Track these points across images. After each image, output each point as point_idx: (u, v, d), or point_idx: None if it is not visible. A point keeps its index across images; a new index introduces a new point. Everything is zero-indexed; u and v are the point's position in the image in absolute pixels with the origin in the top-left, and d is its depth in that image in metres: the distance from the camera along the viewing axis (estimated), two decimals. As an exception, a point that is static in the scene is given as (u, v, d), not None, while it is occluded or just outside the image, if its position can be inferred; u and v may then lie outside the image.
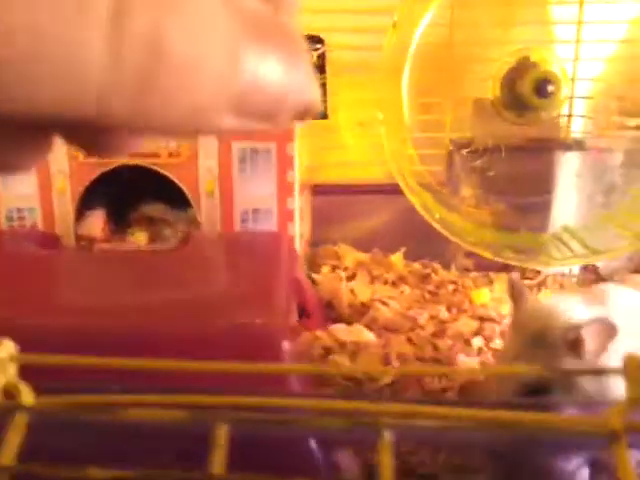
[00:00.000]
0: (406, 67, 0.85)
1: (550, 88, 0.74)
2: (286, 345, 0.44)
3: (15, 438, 0.30)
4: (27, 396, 0.31)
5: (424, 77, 0.86)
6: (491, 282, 0.82)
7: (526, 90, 0.77)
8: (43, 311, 0.44)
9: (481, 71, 0.86)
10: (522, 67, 0.81)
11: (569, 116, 0.84)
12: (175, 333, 0.44)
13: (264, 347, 0.44)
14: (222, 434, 0.29)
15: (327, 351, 0.58)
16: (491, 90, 0.84)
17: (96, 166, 0.70)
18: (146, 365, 0.31)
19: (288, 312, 0.51)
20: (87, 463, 0.30)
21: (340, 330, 0.60)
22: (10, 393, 0.32)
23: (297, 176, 0.70)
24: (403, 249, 0.90)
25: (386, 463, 0.28)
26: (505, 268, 0.85)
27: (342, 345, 0.58)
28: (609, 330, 0.40)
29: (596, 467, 0.43)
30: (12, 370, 0.32)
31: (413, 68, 0.85)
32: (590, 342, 0.40)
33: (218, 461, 0.29)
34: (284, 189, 0.70)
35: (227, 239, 0.67)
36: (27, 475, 0.29)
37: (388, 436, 0.28)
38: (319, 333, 0.61)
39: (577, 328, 0.41)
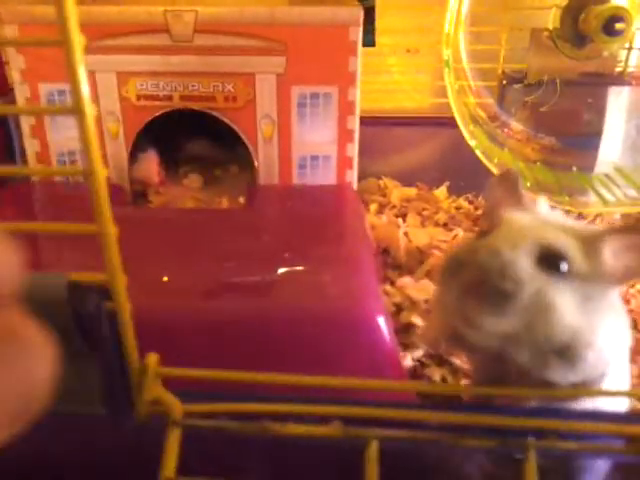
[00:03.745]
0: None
1: (620, 26, 0.70)
2: (382, 320, 0.45)
3: (172, 451, 0.32)
4: (177, 409, 0.33)
5: (478, 3, 0.81)
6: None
7: (592, 26, 0.73)
8: (146, 289, 0.45)
9: (541, -1, 0.82)
10: (586, -4, 0.77)
11: (629, 49, 0.81)
12: (281, 315, 0.45)
13: (361, 326, 0.45)
14: (374, 450, 0.31)
15: (398, 307, 0.59)
16: (551, 20, 0.80)
17: (149, 109, 0.67)
18: (292, 381, 0.33)
19: (377, 282, 0.51)
20: (234, 472, 0.32)
21: (409, 286, 0.61)
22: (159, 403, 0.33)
23: (357, 122, 0.68)
24: (447, 183, 0.90)
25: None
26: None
27: (413, 302, 0.59)
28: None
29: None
30: (159, 383, 0.33)
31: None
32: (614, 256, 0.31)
33: (372, 475, 0.31)
34: (344, 135, 0.68)
35: (292, 193, 0.66)
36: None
37: (533, 455, 0.30)
38: (388, 288, 0.62)
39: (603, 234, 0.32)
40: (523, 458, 0.29)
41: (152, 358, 0.31)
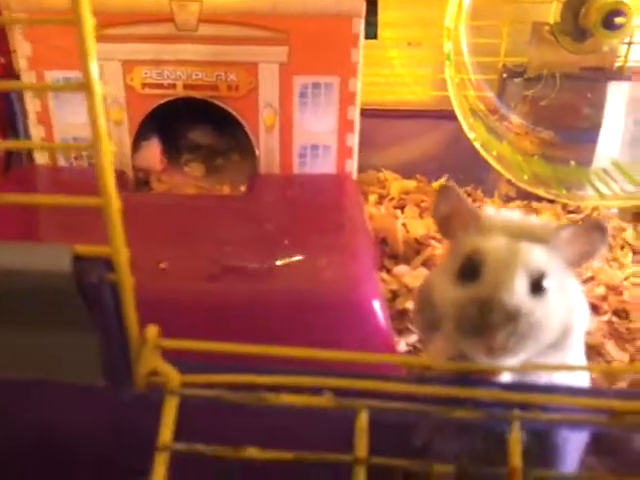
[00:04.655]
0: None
1: (619, 20, 0.71)
2: (377, 304, 0.47)
3: (169, 419, 0.33)
4: (175, 379, 0.34)
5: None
6: (536, 212, 0.83)
7: (592, 20, 0.74)
8: (148, 274, 0.46)
9: (542, -7, 0.82)
10: (588, -9, 0.78)
11: (629, 44, 0.82)
12: (280, 298, 0.46)
13: (357, 309, 0.46)
14: (364, 420, 0.32)
15: (394, 294, 0.61)
16: (552, 14, 0.81)
17: (153, 98, 0.68)
18: (286, 353, 0.34)
19: (374, 269, 0.53)
20: (230, 441, 0.33)
21: (405, 274, 0.63)
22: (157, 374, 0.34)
23: (358, 112, 0.69)
24: (446, 176, 0.91)
25: (515, 450, 0.31)
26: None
27: (409, 290, 0.60)
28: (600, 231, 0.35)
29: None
30: (158, 355, 0.34)
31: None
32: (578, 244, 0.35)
33: (361, 445, 0.32)
34: (344, 125, 0.69)
35: (293, 182, 0.67)
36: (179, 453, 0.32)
37: (518, 426, 0.31)
38: (384, 276, 0.63)
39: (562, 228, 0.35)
40: (507, 431, 0.31)
41: (152, 330, 0.32)
